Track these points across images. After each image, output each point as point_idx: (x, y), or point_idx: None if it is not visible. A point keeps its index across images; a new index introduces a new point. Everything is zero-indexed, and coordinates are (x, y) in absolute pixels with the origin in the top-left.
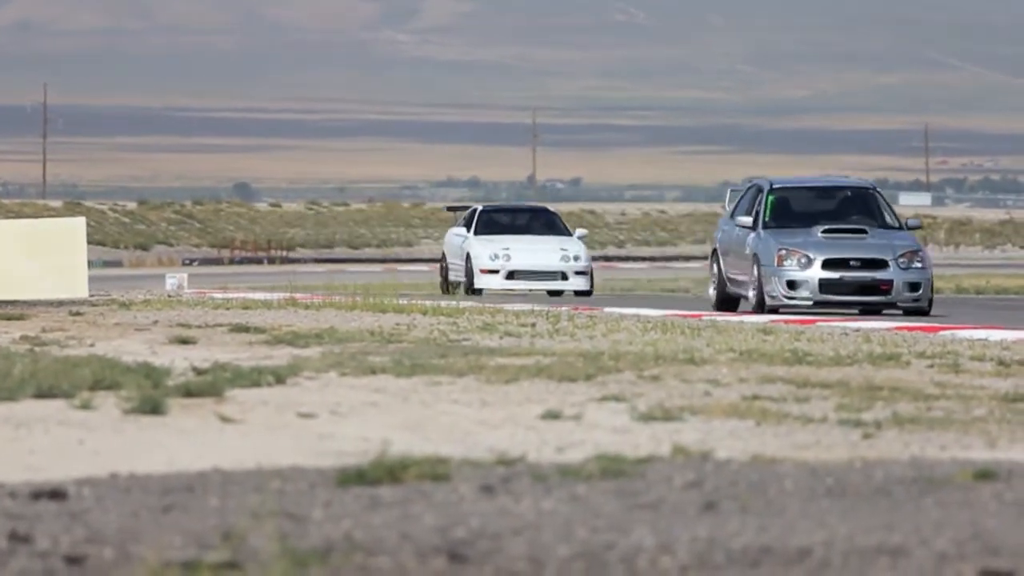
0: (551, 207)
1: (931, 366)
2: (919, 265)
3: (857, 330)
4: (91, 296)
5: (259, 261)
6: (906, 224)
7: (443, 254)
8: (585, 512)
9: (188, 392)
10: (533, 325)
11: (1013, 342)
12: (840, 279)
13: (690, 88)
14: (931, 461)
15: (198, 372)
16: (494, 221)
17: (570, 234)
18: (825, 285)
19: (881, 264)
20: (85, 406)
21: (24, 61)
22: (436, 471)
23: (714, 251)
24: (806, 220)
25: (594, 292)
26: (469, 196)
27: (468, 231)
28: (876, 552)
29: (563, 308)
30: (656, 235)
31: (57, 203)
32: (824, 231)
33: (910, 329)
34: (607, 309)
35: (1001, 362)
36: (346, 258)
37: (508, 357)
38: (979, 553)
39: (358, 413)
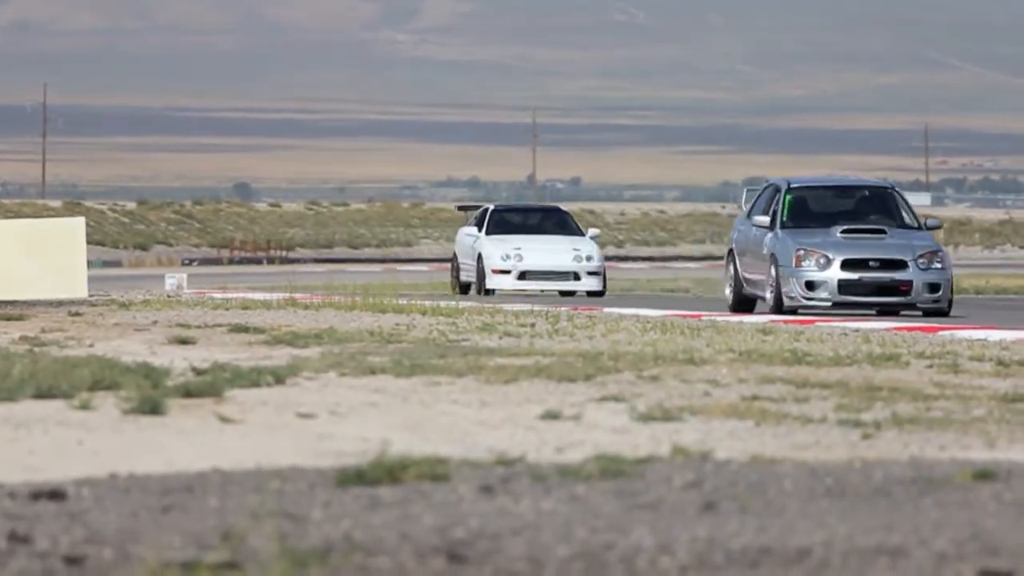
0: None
1: (930, 366)
2: (939, 266)
3: (856, 330)
4: (90, 296)
5: (259, 261)
6: (925, 224)
7: (454, 254)
8: (584, 512)
9: (187, 392)
10: (532, 325)
11: (1012, 342)
12: (859, 280)
13: (690, 88)
14: (930, 461)
15: (197, 372)
16: (506, 221)
17: (582, 234)
18: (844, 286)
19: (901, 265)
20: (84, 406)
21: (23, 61)
22: (435, 471)
23: (730, 251)
24: (824, 220)
25: None
26: (469, 196)
27: (480, 231)
28: (875, 552)
29: (562, 308)
30: (655, 235)
31: (57, 203)
32: (843, 231)
33: (910, 329)
34: (606, 309)
35: (1000, 362)
36: (346, 258)
37: (507, 357)
38: (978, 553)
39: (357, 413)
